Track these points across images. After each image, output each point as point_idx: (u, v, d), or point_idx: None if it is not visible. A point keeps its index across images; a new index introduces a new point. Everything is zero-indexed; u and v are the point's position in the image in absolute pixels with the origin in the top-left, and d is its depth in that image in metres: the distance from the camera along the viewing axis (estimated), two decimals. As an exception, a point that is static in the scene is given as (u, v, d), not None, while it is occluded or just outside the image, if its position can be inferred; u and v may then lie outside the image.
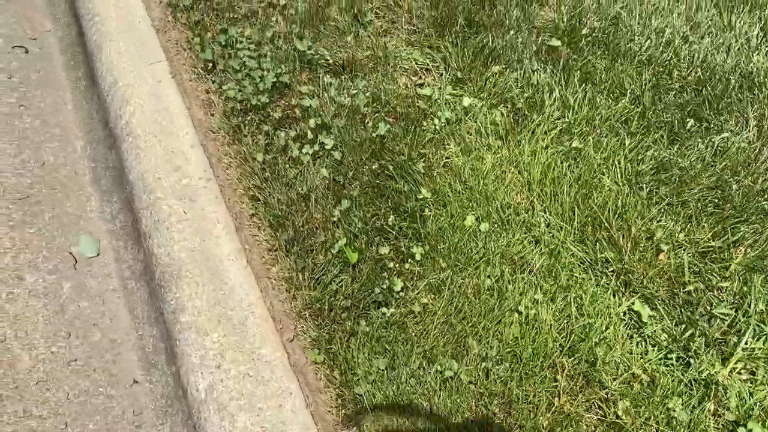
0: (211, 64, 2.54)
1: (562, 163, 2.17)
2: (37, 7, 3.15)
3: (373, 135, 2.27)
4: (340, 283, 1.90)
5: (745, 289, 1.87)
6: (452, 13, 2.72)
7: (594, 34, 2.67)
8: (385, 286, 1.87)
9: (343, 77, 2.53)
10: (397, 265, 1.95)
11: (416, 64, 2.63)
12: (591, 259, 1.97)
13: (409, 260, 1.96)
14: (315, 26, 2.69)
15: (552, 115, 2.35)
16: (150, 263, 2.19)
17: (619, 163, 2.19)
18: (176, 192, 2.27)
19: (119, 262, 2.28)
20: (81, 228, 2.35)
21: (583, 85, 2.45)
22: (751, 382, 1.74)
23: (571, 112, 2.35)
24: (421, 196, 2.08)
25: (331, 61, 2.56)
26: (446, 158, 2.25)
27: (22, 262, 2.21)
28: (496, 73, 2.50)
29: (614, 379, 1.73)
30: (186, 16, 2.70)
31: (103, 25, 2.82)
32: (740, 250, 1.96)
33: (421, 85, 2.53)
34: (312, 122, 2.33)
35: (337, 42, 2.65)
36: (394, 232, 2.03)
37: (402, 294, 1.85)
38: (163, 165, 2.35)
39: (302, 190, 2.11)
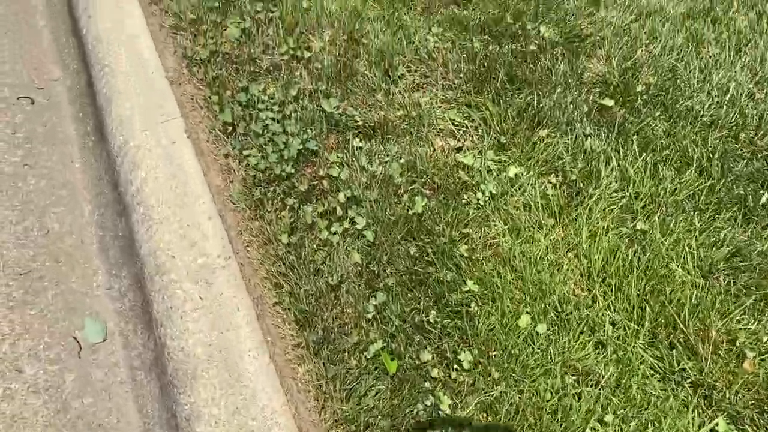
0: (230, 127, 2.31)
1: (626, 248, 1.91)
2: (46, 52, 2.94)
3: (410, 212, 2.03)
4: (376, 396, 1.65)
5: None
6: (491, 67, 2.48)
7: (650, 91, 2.42)
8: (429, 403, 1.62)
9: (374, 141, 2.30)
10: (442, 374, 1.70)
11: (453, 124, 2.39)
12: (666, 368, 1.70)
13: (456, 368, 1.71)
14: (342, 82, 2.46)
15: (609, 187, 2.09)
16: (162, 355, 1.95)
17: (690, 248, 1.93)
18: (192, 273, 2.04)
19: (128, 349, 2.05)
20: (87, 308, 2.13)
21: (643, 152, 2.19)
22: None
23: (631, 185, 2.09)
24: (467, 289, 1.82)
25: (360, 123, 2.33)
26: (492, 239, 1.99)
27: (21, 350, 1.98)
28: (543, 138, 2.25)
29: None
30: (203, 71, 2.48)
31: (114, 76, 2.60)
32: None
33: (459, 149, 2.29)
34: (341, 196, 2.09)
35: (366, 100, 2.42)
36: (436, 331, 1.78)
37: (450, 413, 1.59)
38: (177, 241, 2.12)
39: (332, 279, 1.86)
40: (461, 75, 2.51)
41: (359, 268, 1.91)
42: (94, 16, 2.84)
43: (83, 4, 2.93)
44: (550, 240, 1.97)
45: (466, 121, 2.38)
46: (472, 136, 2.33)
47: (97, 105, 2.62)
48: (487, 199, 2.07)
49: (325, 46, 2.61)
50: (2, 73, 2.77)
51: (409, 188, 2.13)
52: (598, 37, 2.67)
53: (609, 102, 2.34)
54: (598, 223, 1.99)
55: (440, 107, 2.44)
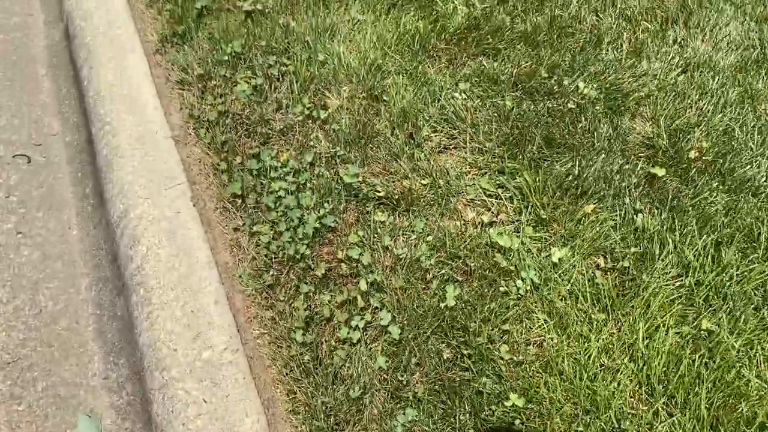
0: (240, 199, 2.09)
1: (690, 352, 1.65)
2: (45, 104, 2.74)
3: (441, 304, 1.79)
4: None
5: None
6: (526, 128, 2.25)
7: (704, 158, 2.17)
8: None
9: (397, 213, 2.06)
10: None
11: (485, 193, 2.15)
12: (747, 508, 1.44)
13: (499, 505, 1.45)
14: (362, 146, 2.24)
15: (666, 274, 1.84)
16: (161, 467, 1.71)
17: (765, 351, 1.67)
18: (196, 371, 1.81)
19: (124, 455, 1.81)
20: (80, 401, 1.90)
21: (702, 231, 1.94)
22: None
23: (691, 272, 1.84)
24: (510, 404, 1.57)
25: (382, 193, 2.10)
26: (536, 336, 1.74)
27: (4, 457, 1.75)
28: (589, 214, 2.01)
29: None
30: (210, 134, 2.27)
31: (115, 136, 2.39)
32: None
33: (492, 224, 2.05)
34: (362, 283, 1.85)
35: (388, 166, 2.19)
36: (475, 455, 1.53)
37: None
38: (180, 330, 1.89)
39: (353, 390, 1.62)
40: (492, 137, 2.28)
41: (384, 375, 1.67)
42: (95, 68, 2.65)
43: (84, 54, 2.74)
44: (602, 339, 1.71)
45: (499, 191, 2.14)
46: (506, 209, 2.09)
47: (97, 166, 2.41)
48: (528, 288, 1.82)
49: (343, 104, 2.39)
50: (-1, 128, 2.58)
51: (439, 273, 1.88)
52: (642, 94, 2.43)
53: (659, 171, 2.10)
54: (655, 319, 1.74)
55: (470, 173, 2.20)
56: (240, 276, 1.96)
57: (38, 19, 3.15)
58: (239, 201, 2.09)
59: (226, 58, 2.48)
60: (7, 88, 2.76)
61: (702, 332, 1.73)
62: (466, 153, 2.26)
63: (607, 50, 2.63)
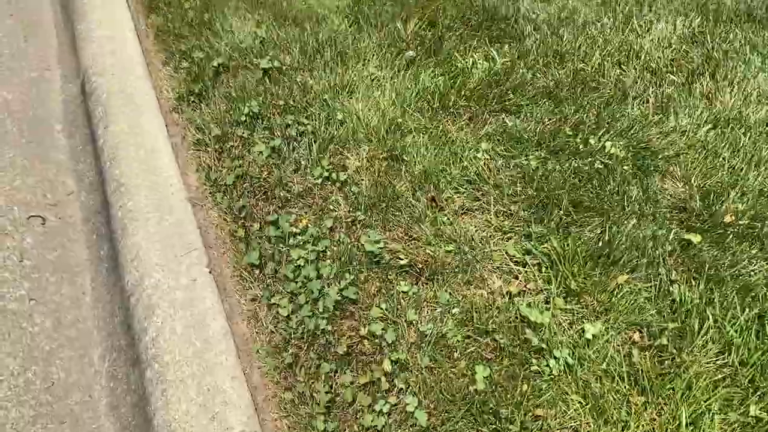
0: (258, 269, 2.02)
1: (740, 444, 1.55)
2: (61, 163, 2.71)
3: (470, 387, 1.69)
4: None
5: None
6: (552, 190, 2.17)
7: (740, 222, 2.08)
8: None
9: (421, 283, 1.98)
10: None
11: (511, 260, 2.06)
12: None
13: None
14: (383, 210, 2.17)
15: (707, 352, 1.74)
16: None
17: (820, 441, 1.55)
18: (211, 458, 1.71)
19: None
20: (90, 490, 1.80)
21: (743, 305, 1.84)
22: None
23: (734, 350, 1.74)
24: (548, 504, 1.47)
25: (405, 261, 2.02)
26: (571, 421, 1.64)
27: None
28: (622, 284, 1.91)
29: None
30: (228, 198, 2.21)
31: (130, 198, 2.34)
32: None
33: (521, 293, 1.96)
34: (387, 363, 1.77)
35: (410, 231, 2.12)
36: None
37: None
38: (195, 411, 1.81)
39: (380, 487, 1.52)
40: (517, 199, 2.21)
41: (412, 467, 1.57)
42: (111, 126, 2.62)
43: (100, 111, 2.71)
44: (643, 425, 1.61)
45: (526, 257, 2.06)
46: (535, 277, 2.00)
47: (112, 228, 2.36)
48: (561, 367, 1.72)
49: (363, 164, 2.33)
50: (14, 188, 2.54)
51: (467, 351, 1.79)
52: (671, 152, 2.35)
53: (695, 238, 2.01)
54: (699, 403, 1.63)
55: (495, 238, 2.12)
56: (258, 351, 1.88)
57: (55, 74, 3.15)
58: (257, 271, 2.02)
59: (244, 118, 2.44)
60: (23, 145, 2.74)
61: (750, 419, 1.62)
62: (490, 216, 2.19)
63: (633, 105, 2.56)
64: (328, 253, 2.04)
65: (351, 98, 2.55)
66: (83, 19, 3.13)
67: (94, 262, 2.33)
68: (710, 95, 2.61)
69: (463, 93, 2.58)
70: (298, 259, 2.01)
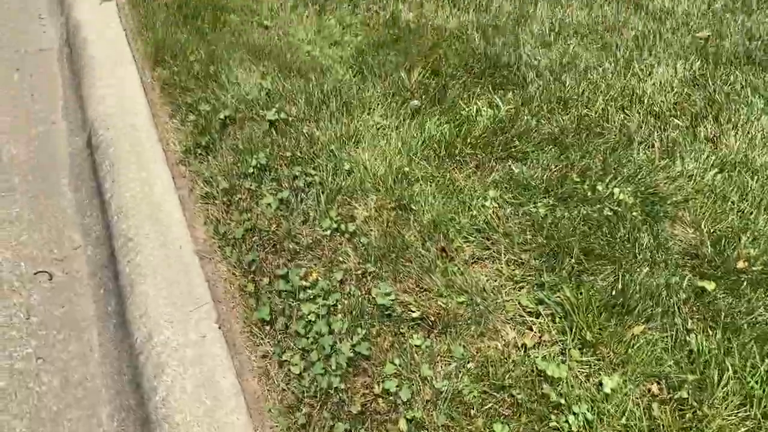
0: (268, 325, 2.00)
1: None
2: (67, 217, 2.70)
3: (489, 447, 1.65)
4: None
5: None
6: (563, 239, 2.16)
7: (753, 268, 2.07)
8: None
9: (434, 335, 1.96)
10: None
11: (524, 311, 2.04)
12: None
13: None
14: (392, 261, 2.15)
15: (728, 405, 1.71)
16: None
17: None
18: None
19: None
20: None
21: (763, 353, 1.81)
22: None
23: (755, 402, 1.71)
24: None
25: (417, 314, 2.00)
26: (593, 481, 1.60)
27: None
28: (638, 335, 1.89)
29: None
30: (237, 252, 2.20)
31: (138, 254, 2.33)
32: None
33: (536, 345, 1.93)
34: (402, 423, 1.73)
35: (421, 282, 2.10)
36: None
37: None
38: (205, 476, 1.75)
39: None
40: (528, 247, 2.20)
41: None
42: (117, 180, 2.62)
43: (107, 165, 2.72)
44: (668, 485, 1.56)
45: (539, 307, 2.04)
46: (549, 328, 1.98)
47: (120, 283, 2.34)
48: (581, 423, 1.69)
49: (371, 214, 2.33)
50: (21, 243, 2.53)
51: (484, 408, 1.76)
52: (679, 197, 2.35)
53: (709, 285, 2.00)
54: (724, 460, 1.59)
55: (507, 287, 2.10)
56: (270, 410, 1.84)
57: (61, 127, 3.17)
58: (268, 327, 1.99)
59: (251, 170, 2.45)
60: (30, 200, 2.74)
61: (778, 476, 1.58)
62: (501, 265, 2.17)
63: (639, 150, 2.57)
64: (339, 307, 2.02)
65: (357, 148, 2.56)
66: (89, 73, 3.17)
67: (102, 317, 2.31)
68: (715, 138, 2.63)
69: (468, 141, 2.60)
70: (309, 314, 1.99)
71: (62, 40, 3.73)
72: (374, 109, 2.76)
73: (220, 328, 2.12)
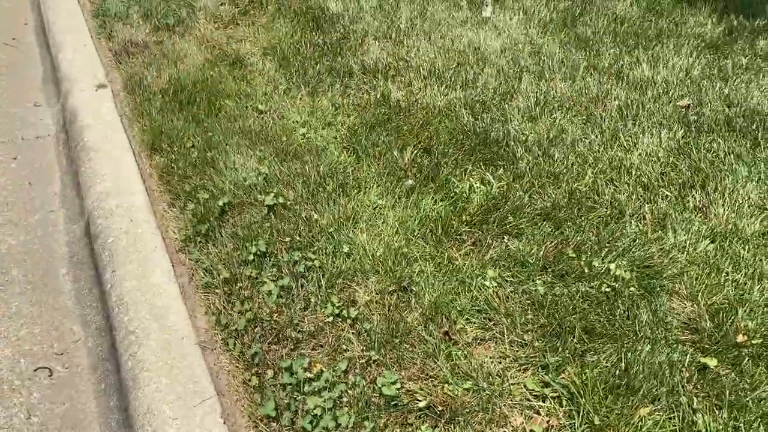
0: (274, 421, 1.98)
1: None
2: (67, 309, 2.68)
3: None
4: None
5: None
6: (563, 317, 2.18)
7: (752, 341, 2.09)
8: None
9: (442, 425, 1.95)
10: None
11: (531, 395, 2.04)
12: None
13: None
14: (396, 347, 2.16)
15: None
16: None
17: None
18: None
19: None
20: None
21: (770, 434, 1.82)
22: None
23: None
24: None
25: (423, 404, 1.99)
26: None
27: None
28: (645, 417, 1.89)
29: None
30: (239, 346, 2.20)
31: (140, 347, 2.31)
32: None
33: None
34: None
35: (426, 368, 2.10)
36: None
37: None
38: None
39: None
40: (530, 327, 2.21)
41: None
42: (117, 271, 2.63)
43: (106, 256, 2.73)
44: None
45: (545, 390, 2.04)
46: (556, 411, 1.97)
47: (122, 377, 2.32)
48: None
49: (372, 298, 2.35)
50: (20, 339, 2.51)
51: (496, 502, 1.74)
52: (674, 270, 2.39)
53: (711, 362, 2.02)
54: None
55: (511, 370, 2.11)
56: None
57: (59, 216, 3.19)
58: (274, 423, 1.98)
59: (251, 257, 2.47)
60: (27, 292, 2.73)
61: None
62: (504, 346, 2.18)
63: (631, 223, 2.63)
64: (345, 399, 2.02)
65: (355, 229, 2.60)
66: (86, 162, 3.21)
67: (104, 413, 2.28)
68: (704, 208, 2.69)
69: (464, 218, 2.65)
70: (314, 408, 1.98)
71: (59, 127, 3.80)
72: (370, 189, 2.81)
73: (225, 422, 2.10)
